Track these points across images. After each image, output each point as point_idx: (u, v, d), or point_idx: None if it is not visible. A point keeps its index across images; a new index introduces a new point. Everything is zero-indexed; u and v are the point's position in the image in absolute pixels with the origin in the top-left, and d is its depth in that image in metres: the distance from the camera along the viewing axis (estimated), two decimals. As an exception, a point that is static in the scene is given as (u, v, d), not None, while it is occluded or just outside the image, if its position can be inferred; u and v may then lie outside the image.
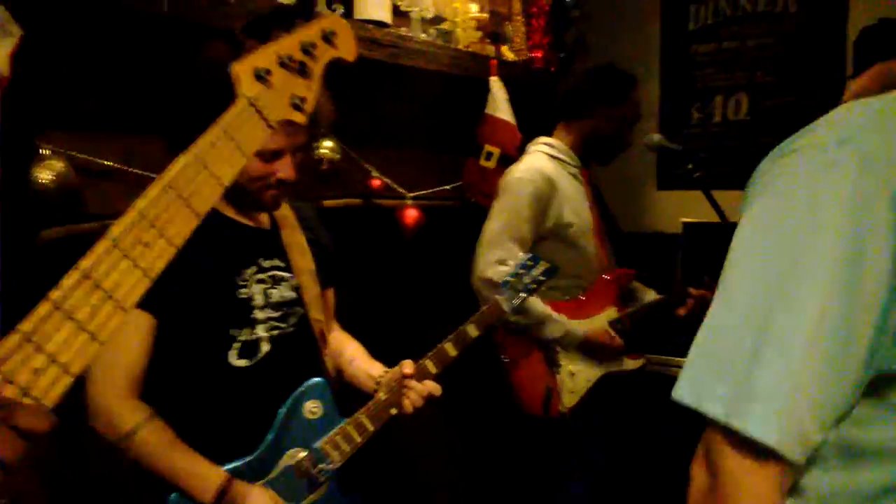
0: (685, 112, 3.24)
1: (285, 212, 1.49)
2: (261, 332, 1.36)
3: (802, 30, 2.92)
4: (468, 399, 2.71)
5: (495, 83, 2.52)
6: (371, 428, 1.43)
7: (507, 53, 2.77)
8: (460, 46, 2.51)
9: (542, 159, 2.16)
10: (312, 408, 1.40)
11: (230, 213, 1.39)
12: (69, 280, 0.64)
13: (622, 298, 2.24)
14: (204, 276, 1.31)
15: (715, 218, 2.66)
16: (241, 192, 1.33)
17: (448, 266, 2.65)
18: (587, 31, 3.05)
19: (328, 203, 2.12)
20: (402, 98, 2.39)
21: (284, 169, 1.32)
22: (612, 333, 2.09)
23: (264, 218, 1.46)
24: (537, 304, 2.04)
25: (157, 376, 1.30)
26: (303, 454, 1.38)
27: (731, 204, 2.14)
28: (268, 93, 0.87)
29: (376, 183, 2.25)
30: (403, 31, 2.29)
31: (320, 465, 1.38)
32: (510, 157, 2.54)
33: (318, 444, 1.39)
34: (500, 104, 2.50)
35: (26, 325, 0.62)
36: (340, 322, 1.70)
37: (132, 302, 0.70)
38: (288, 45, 0.90)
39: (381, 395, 1.46)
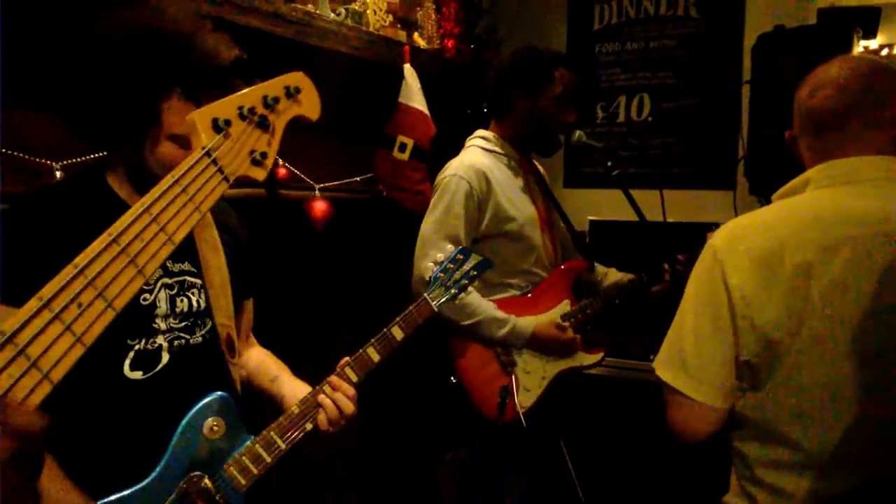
0: (590, 110, 3.26)
1: None
2: (161, 341, 1.17)
3: (703, 34, 3.02)
4: (423, 408, 2.57)
5: (409, 71, 2.39)
6: (283, 446, 1.27)
7: (419, 41, 2.65)
8: (371, 29, 2.36)
9: (478, 154, 2.04)
10: (213, 425, 1.21)
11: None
12: None
13: (579, 290, 2.16)
14: None
15: (620, 216, 2.68)
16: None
17: (359, 263, 2.50)
18: (498, 24, 2.99)
19: (227, 192, 1.90)
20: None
21: None
22: (564, 325, 2.01)
23: None
24: (481, 302, 1.94)
25: None
26: (203, 479, 1.19)
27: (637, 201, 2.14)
28: (226, 144, 0.85)
29: (282, 172, 2.06)
30: (311, 7, 2.11)
31: (224, 490, 1.20)
32: (424, 149, 2.43)
33: (221, 467, 1.21)
34: (414, 93, 2.38)
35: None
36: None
37: (60, 374, 0.66)
38: (250, 97, 0.89)
39: (295, 409, 1.30)
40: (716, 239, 1.25)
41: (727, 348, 1.18)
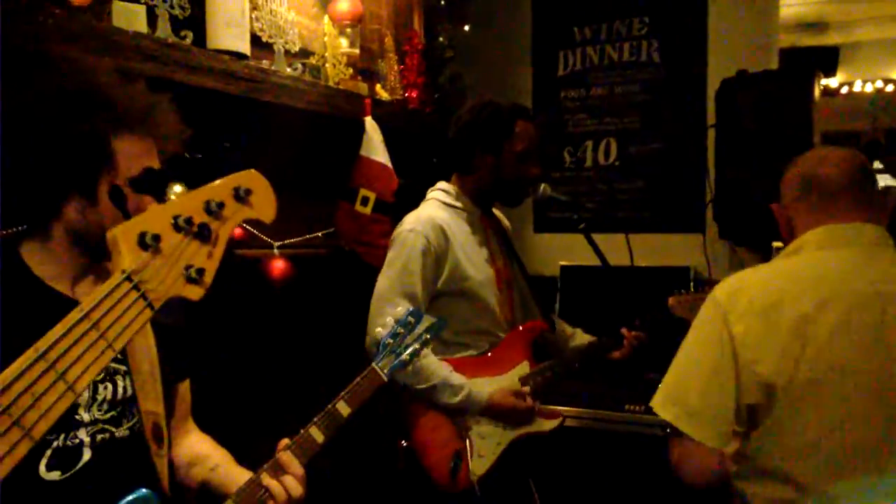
0: (558, 155, 3.25)
1: None
2: (83, 436, 1.07)
3: (666, 79, 3.03)
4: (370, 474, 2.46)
5: (370, 124, 2.35)
6: None
7: (381, 92, 2.62)
8: (330, 83, 2.33)
9: (436, 208, 1.98)
10: None
11: (61, 285, 1.09)
12: None
13: (540, 350, 2.08)
14: None
15: (591, 261, 2.64)
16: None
17: (322, 322, 2.41)
18: (462, 73, 2.98)
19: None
20: (266, 137, 2.16)
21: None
22: (525, 391, 1.92)
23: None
24: (436, 366, 1.85)
25: None
26: None
27: (602, 245, 2.10)
28: (154, 263, 0.74)
29: (238, 231, 1.98)
30: (266, 63, 2.07)
31: None
32: (386, 202, 2.37)
33: None
34: (375, 146, 2.34)
35: None
36: (194, 396, 1.41)
37: None
38: (189, 204, 0.77)
39: (229, 502, 1.19)
40: (718, 291, 1.38)
41: (729, 392, 1.29)
